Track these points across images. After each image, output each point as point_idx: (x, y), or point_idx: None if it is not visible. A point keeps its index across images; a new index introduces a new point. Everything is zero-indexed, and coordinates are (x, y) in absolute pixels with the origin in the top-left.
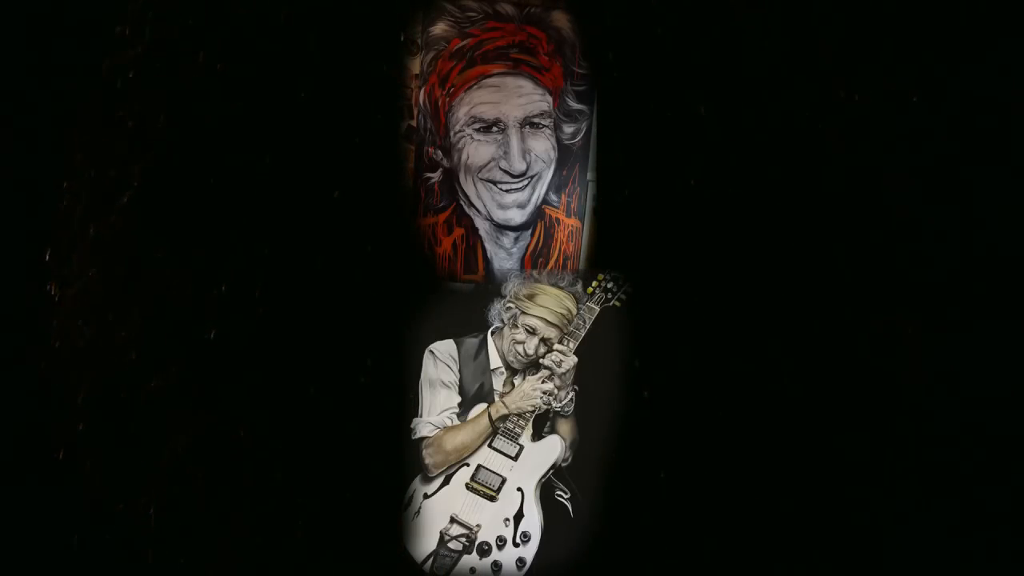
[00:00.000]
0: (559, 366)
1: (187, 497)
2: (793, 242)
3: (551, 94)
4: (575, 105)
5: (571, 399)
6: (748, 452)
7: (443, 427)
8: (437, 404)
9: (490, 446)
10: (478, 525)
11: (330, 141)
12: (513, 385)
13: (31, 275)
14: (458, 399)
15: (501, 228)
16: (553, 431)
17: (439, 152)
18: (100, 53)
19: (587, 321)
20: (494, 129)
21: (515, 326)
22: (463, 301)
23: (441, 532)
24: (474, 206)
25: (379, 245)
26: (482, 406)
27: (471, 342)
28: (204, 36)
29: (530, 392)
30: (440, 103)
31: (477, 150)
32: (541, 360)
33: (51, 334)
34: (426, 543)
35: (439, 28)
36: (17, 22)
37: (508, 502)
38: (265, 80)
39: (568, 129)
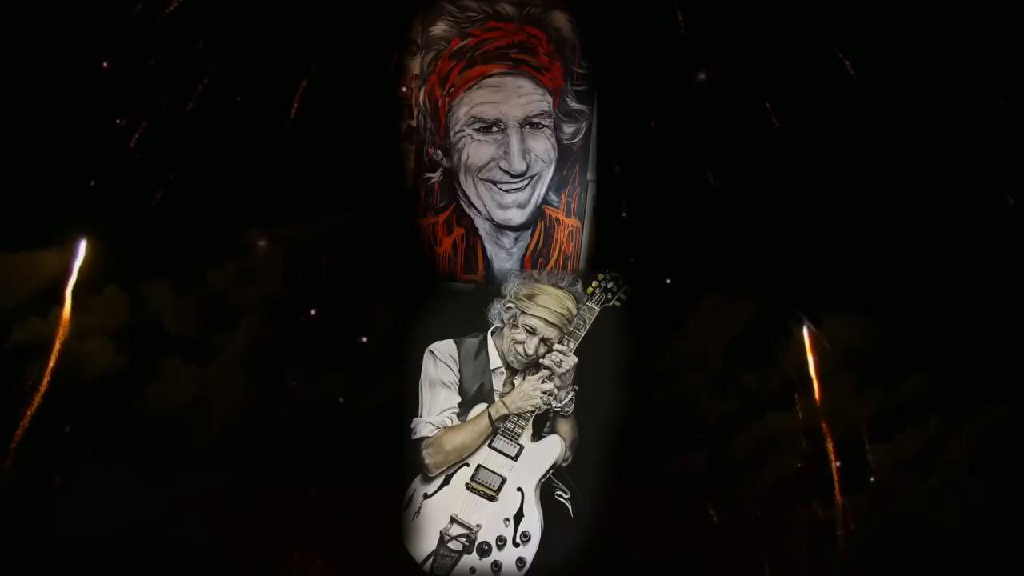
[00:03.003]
0: (559, 366)
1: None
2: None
3: (551, 94)
4: (575, 105)
5: (571, 399)
6: None
7: (443, 427)
8: (437, 404)
9: (490, 446)
10: (478, 525)
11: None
12: (513, 385)
13: None
14: (458, 399)
15: (501, 228)
16: (553, 431)
17: (439, 152)
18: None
19: (587, 321)
20: (494, 129)
21: (515, 326)
22: (463, 301)
23: (441, 532)
24: (474, 206)
25: (380, 245)
26: (482, 406)
27: (471, 342)
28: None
29: (530, 392)
30: (440, 103)
31: (477, 150)
32: (541, 360)
33: None
34: (426, 543)
35: (439, 28)
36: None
37: (508, 502)
38: (266, 79)
39: (568, 129)
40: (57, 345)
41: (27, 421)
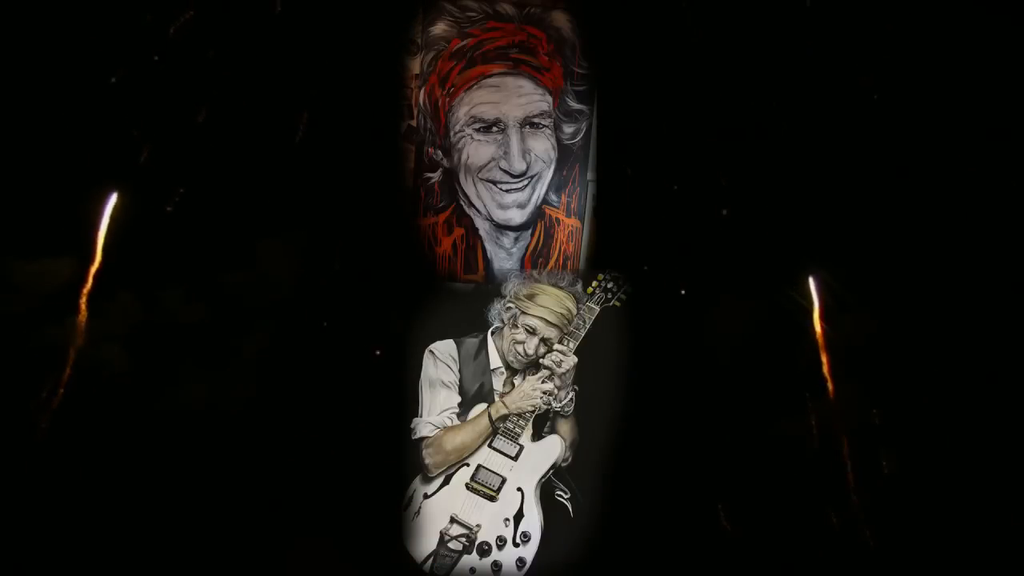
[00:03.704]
0: (559, 366)
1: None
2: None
3: (551, 94)
4: (575, 105)
5: (571, 399)
6: None
7: (443, 427)
8: (437, 404)
9: (490, 446)
10: (478, 525)
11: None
12: (513, 385)
13: None
14: (458, 399)
15: (501, 228)
16: (553, 431)
17: (439, 152)
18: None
19: (587, 321)
20: (494, 129)
21: (515, 326)
22: (463, 301)
23: (441, 532)
24: (474, 206)
25: (379, 245)
26: (482, 406)
27: (471, 342)
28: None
29: (530, 392)
30: (440, 103)
31: (477, 150)
32: (541, 360)
33: None
34: (426, 543)
35: (439, 28)
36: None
37: (508, 502)
38: (267, 81)
39: (568, 129)
40: (72, 352)
41: (43, 427)
